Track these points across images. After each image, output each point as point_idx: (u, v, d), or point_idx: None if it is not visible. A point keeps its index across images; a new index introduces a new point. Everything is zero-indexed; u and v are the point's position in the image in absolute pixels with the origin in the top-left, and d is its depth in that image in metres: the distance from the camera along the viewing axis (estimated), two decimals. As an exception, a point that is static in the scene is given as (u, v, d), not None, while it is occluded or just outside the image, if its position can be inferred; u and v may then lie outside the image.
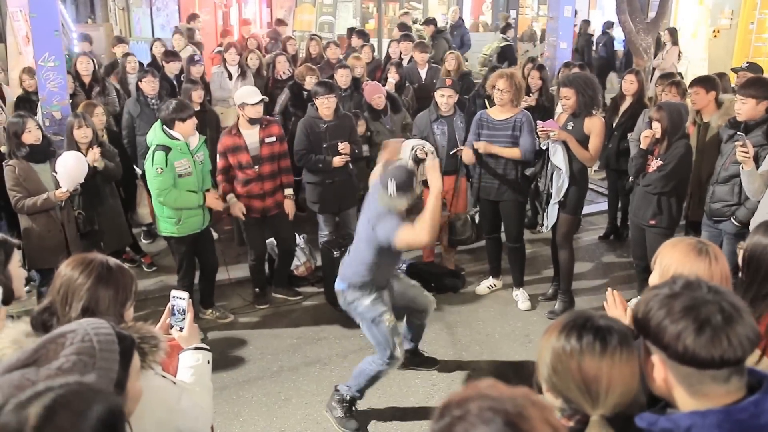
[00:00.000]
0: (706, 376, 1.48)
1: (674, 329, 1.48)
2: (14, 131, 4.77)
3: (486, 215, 5.62)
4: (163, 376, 2.11)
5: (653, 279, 2.15)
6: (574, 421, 1.58)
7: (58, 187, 4.77)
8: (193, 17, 11.03)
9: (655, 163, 4.85)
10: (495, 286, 5.86)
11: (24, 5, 5.85)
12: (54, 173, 4.79)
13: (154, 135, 4.82)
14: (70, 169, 4.67)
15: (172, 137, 4.78)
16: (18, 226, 5.04)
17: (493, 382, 1.20)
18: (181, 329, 2.34)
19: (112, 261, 2.09)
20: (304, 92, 6.87)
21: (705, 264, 2.08)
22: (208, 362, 2.35)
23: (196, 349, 2.34)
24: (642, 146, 4.92)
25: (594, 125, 5.01)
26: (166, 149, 4.73)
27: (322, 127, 5.53)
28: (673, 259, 2.11)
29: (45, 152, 4.90)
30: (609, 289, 2.34)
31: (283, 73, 7.68)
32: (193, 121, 4.83)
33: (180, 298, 2.35)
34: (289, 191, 5.51)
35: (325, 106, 5.45)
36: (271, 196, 5.38)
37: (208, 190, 5.06)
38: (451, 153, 5.61)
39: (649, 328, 1.54)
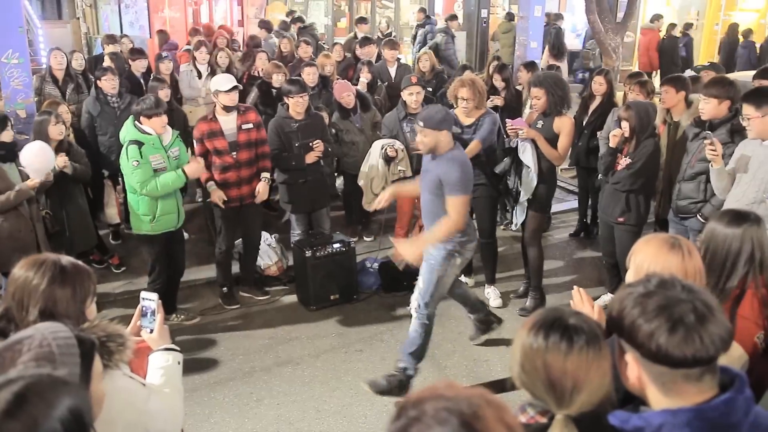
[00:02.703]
0: (678, 374, 1.49)
1: (648, 328, 1.49)
2: None
3: None
4: (131, 377, 2.07)
5: (629, 276, 2.16)
6: (546, 417, 1.59)
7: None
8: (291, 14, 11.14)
9: (624, 161, 4.91)
10: (466, 283, 5.87)
11: (-14, 1, 5.72)
12: (21, 167, 4.71)
13: (126, 131, 4.79)
14: (35, 159, 4.60)
15: (143, 132, 4.74)
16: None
17: (450, 383, 1.20)
18: (151, 331, 2.30)
19: (66, 259, 2.04)
20: (273, 90, 6.83)
21: (678, 259, 2.08)
22: (179, 363, 2.31)
23: (167, 350, 2.30)
24: (611, 145, 4.99)
25: (564, 124, 5.06)
26: (139, 144, 4.69)
27: (294, 126, 5.50)
28: (647, 255, 2.12)
29: (13, 151, 4.82)
30: (575, 287, 2.36)
31: (261, 70, 7.61)
32: (160, 119, 4.76)
33: (149, 300, 2.31)
34: (265, 174, 5.44)
35: (298, 104, 5.42)
36: (247, 183, 5.34)
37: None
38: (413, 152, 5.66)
39: (623, 327, 1.55)
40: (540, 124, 5.12)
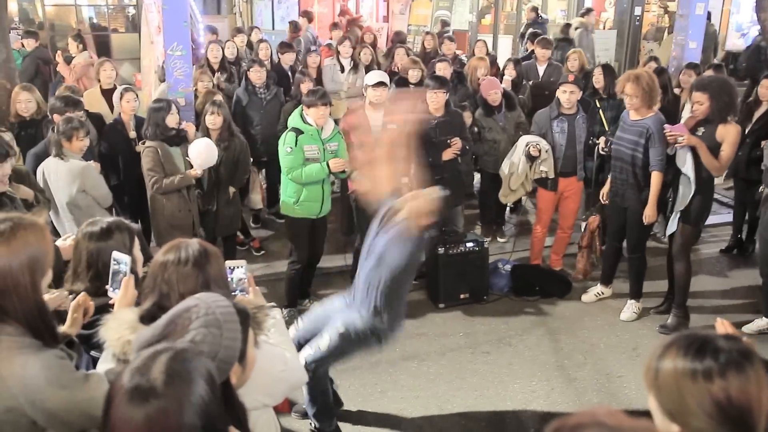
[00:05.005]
0: None
1: None
2: (162, 115, 5.01)
3: (612, 219, 5.41)
4: (268, 342, 2.21)
5: None
6: None
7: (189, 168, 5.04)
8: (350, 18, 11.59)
9: None
10: (603, 294, 5.61)
11: (158, -3, 6.18)
12: (186, 158, 5.03)
13: (292, 117, 5.05)
14: (199, 155, 4.91)
15: (305, 121, 4.94)
16: (141, 211, 5.36)
17: (611, 410, 1.13)
18: (244, 295, 2.37)
19: (203, 243, 2.11)
20: (410, 86, 6.86)
21: None
22: (281, 318, 2.45)
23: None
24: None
25: (729, 133, 4.67)
26: (298, 132, 4.91)
27: (432, 123, 5.49)
28: None
29: (180, 136, 5.13)
30: (718, 319, 2.15)
31: (399, 65, 7.68)
32: (317, 110, 4.88)
33: (237, 267, 2.36)
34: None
35: (433, 100, 5.40)
36: None
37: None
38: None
39: None
40: (701, 131, 4.75)
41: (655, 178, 4.94)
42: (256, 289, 2.42)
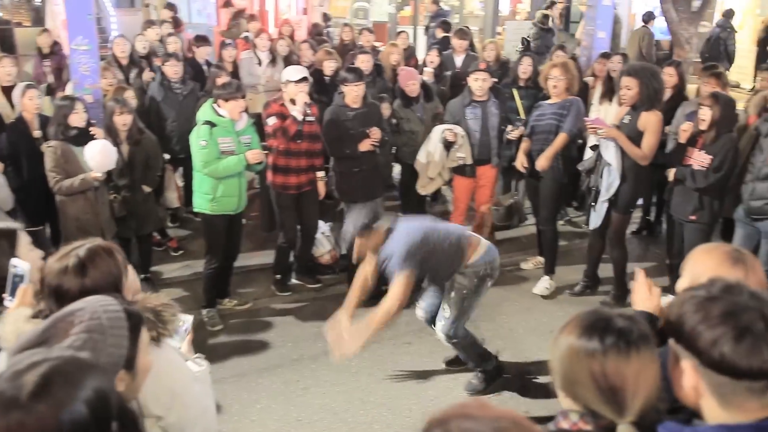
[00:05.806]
0: (741, 387, 1.38)
1: (711, 335, 1.39)
2: (63, 113, 4.81)
3: (531, 197, 5.70)
4: (181, 354, 2.12)
5: (682, 285, 2.04)
6: (590, 425, 1.51)
7: None
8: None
9: (699, 156, 4.67)
10: (541, 264, 5.84)
11: (60, -12, 5.89)
12: None
13: (203, 111, 4.92)
14: (94, 158, 4.71)
15: (218, 114, 4.83)
16: (49, 214, 5.15)
17: (483, 402, 1.16)
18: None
19: (85, 248, 2.02)
20: (326, 78, 6.83)
21: (740, 274, 1.93)
22: (209, 372, 2.33)
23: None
24: (681, 140, 4.78)
25: (650, 122, 4.82)
26: (211, 125, 4.79)
27: (350, 115, 5.46)
28: (707, 267, 1.97)
29: (86, 135, 4.91)
30: (636, 269, 2.24)
31: (306, 60, 7.61)
32: (237, 103, 4.83)
33: (185, 321, 2.27)
34: (320, 173, 5.52)
35: (354, 93, 5.38)
36: (305, 173, 5.40)
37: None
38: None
39: (682, 332, 1.45)
40: (627, 118, 4.90)
41: (560, 138, 5.17)
42: (189, 346, 2.31)
